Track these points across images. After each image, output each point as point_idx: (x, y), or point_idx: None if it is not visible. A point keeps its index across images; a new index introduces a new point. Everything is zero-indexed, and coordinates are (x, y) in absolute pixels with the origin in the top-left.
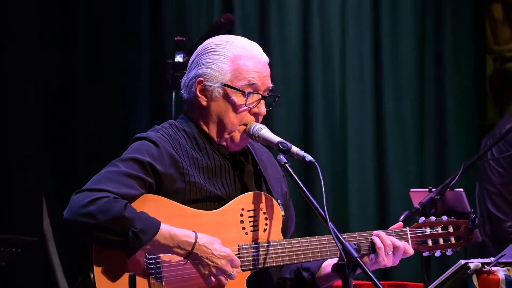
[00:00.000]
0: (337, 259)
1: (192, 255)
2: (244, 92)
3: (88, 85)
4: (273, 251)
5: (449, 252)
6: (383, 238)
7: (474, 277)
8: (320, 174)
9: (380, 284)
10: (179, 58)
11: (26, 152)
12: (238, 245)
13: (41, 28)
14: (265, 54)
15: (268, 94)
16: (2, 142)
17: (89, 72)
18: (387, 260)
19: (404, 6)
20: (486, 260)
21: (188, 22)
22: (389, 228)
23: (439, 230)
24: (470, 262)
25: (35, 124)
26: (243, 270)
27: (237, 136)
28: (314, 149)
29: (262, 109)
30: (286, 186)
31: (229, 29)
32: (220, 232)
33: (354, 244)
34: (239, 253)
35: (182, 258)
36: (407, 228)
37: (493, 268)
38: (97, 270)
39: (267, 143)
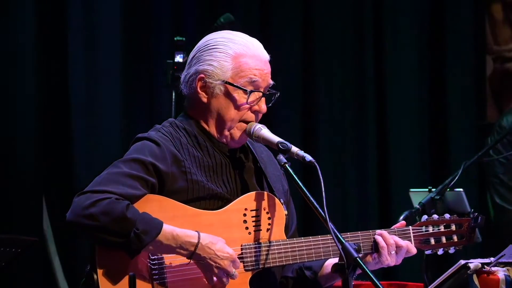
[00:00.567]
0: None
1: (195, 255)
2: (246, 90)
3: (88, 85)
4: (276, 251)
5: (451, 250)
6: (386, 238)
7: (475, 277)
8: (320, 174)
9: (380, 284)
10: (179, 58)
11: (26, 152)
12: (241, 245)
13: (40, 27)
14: (266, 52)
15: (268, 91)
16: (2, 142)
17: (89, 72)
18: (390, 260)
19: (404, 7)
20: (486, 260)
21: (188, 22)
22: (392, 227)
23: (442, 228)
24: (470, 262)
25: (35, 124)
26: (246, 270)
27: (236, 133)
28: (314, 149)
29: (263, 106)
30: (286, 184)
31: (230, 29)
32: (223, 232)
33: (354, 244)
34: (242, 253)
35: (185, 260)
36: (410, 227)
37: (493, 268)
38: (100, 271)
39: (267, 143)
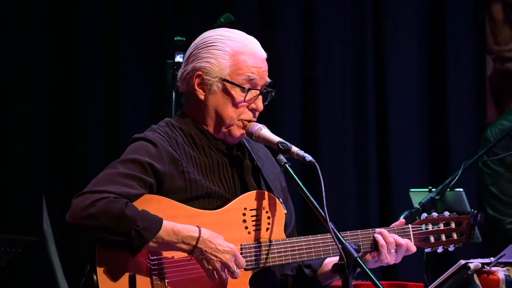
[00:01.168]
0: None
1: (196, 250)
2: (244, 87)
3: (88, 85)
4: (275, 250)
5: (451, 248)
6: (385, 236)
7: (475, 276)
8: (320, 174)
9: (380, 284)
10: (179, 58)
11: (26, 151)
12: (241, 245)
13: (41, 27)
14: (263, 50)
15: (265, 89)
16: (2, 142)
17: (89, 71)
18: (390, 258)
19: (404, 7)
20: (486, 260)
21: (188, 22)
22: (391, 225)
23: (441, 226)
24: (470, 262)
25: (35, 124)
26: (245, 270)
27: (235, 131)
28: (314, 149)
29: (260, 104)
30: (284, 181)
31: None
32: (223, 232)
33: (354, 244)
34: (242, 253)
35: (184, 257)
36: (410, 225)
37: (493, 268)
38: (100, 271)
39: (267, 143)
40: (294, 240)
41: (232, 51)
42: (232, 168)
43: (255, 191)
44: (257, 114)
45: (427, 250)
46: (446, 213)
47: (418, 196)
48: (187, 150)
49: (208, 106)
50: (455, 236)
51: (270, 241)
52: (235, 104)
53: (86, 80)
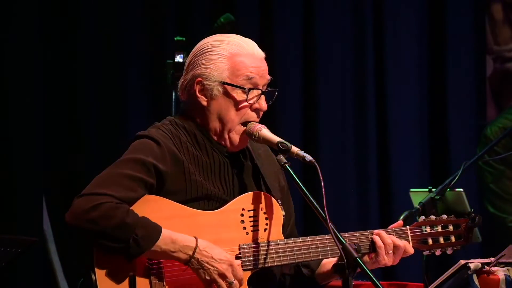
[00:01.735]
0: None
1: (192, 260)
2: (244, 88)
3: (88, 85)
4: (273, 251)
5: (449, 251)
6: (383, 237)
7: (475, 277)
8: (320, 174)
9: (380, 284)
10: (179, 58)
11: (26, 152)
12: (239, 245)
13: (41, 27)
14: (260, 50)
15: (267, 89)
16: (2, 142)
17: (89, 71)
18: (387, 259)
19: (405, 7)
20: (486, 260)
21: (188, 22)
22: (389, 227)
23: (439, 228)
24: (470, 262)
25: (35, 124)
26: (244, 270)
27: (235, 138)
28: (314, 149)
29: (263, 104)
30: (284, 180)
31: (230, 29)
32: (221, 232)
33: (354, 244)
34: (240, 253)
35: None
36: (408, 227)
37: (493, 268)
38: (99, 271)
39: (267, 143)
40: (292, 241)
41: (229, 54)
42: (233, 169)
43: (253, 192)
44: (261, 114)
45: (425, 252)
46: (444, 216)
47: (418, 196)
48: (190, 149)
49: (211, 111)
50: (453, 238)
51: (268, 241)
52: (238, 106)
53: (86, 80)
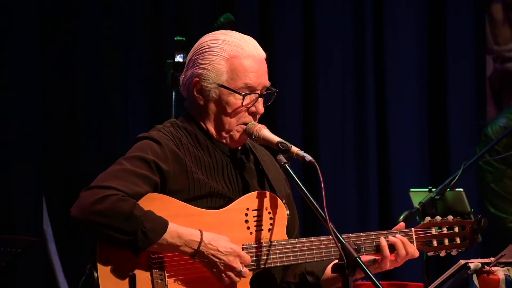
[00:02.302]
0: None
1: (198, 253)
2: (241, 94)
3: (88, 85)
4: (277, 251)
5: (454, 252)
6: (406, 245)
7: (475, 277)
8: (320, 174)
9: (380, 284)
10: (179, 58)
11: (26, 152)
12: (243, 245)
13: (41, 27)
14: (261, 50)
15: (265, 91)
16: (2, 142)
17: (89, 71)
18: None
19: (405, 7)
20: (486, 260)
21: (188, 22)
22: (393, 229)
23: (445, 230)
24: (470, 262)
25: (35, 124)
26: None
27: (236, 135)
28: (314, 149)
29: (260, 107)
30: (289, 188)
31: (230, 29)
32: (225, 232)
33: (354, 244)
34: None
35: (186, 258)
36: (412, 229)
37: (493, 268)
38: (101, 269)
39: (267, 143)
40: (296, 241)
41: (228, 56)
42: (236, 169)
43: (257, 191)
44: (258, 117)
45: (430, 253)
46: (450, 217)
47: (418, 196)
48: (192, 150)
49: (208, 112)
50: (458, 240)
51: (271, 242)
52: (234, 110)
53: (86, 80)
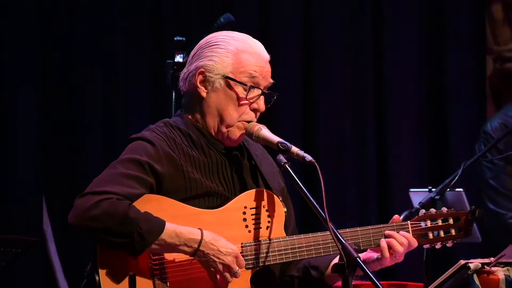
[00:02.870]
0: None
1: (198, 252)
2: (246, 85)
3: (88, 85)
4: (276, 248)
5: (449, 244)
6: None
7: (475, 276)
8: (320, 174)
9: (380, 284)
10: (179, 58)
11: (26, 152)
12: (241, 243)
13: (41, 26)
14: (266, 52)
15: (267, 91)
16: (2, 142)
17: (89, 72)
18: (393, 262)
19: (405, 7)
20: (486, 260)
21: (188, 22)
22: (390, 222)
23: (440, 222)
24: (470, 262)
25: (35, 124)
26: (246, 268)
27: (236, 132)
28: (314, 149)
29: (262, 105)
30: (283, 181)
31: (230, 29)
32: (223, 231)
33: (354, 244)
34: (242, 251)
35: (186, 258)
36: (408, 222)
37: (493, 268)
38: (102, 271)
39: (267, 143)
40: (294, 238)
41: (235, 50)
42: (231, 167)
43: (255, 189)
44: (258, 115)
45: (426, 246)
46: (444, 209)
47: (418, 196)
48: (186, 149)
49: (209, 104)
50: (453, 232)
51: (270, 239)
52: (237, 102)
53: (86, 80)
